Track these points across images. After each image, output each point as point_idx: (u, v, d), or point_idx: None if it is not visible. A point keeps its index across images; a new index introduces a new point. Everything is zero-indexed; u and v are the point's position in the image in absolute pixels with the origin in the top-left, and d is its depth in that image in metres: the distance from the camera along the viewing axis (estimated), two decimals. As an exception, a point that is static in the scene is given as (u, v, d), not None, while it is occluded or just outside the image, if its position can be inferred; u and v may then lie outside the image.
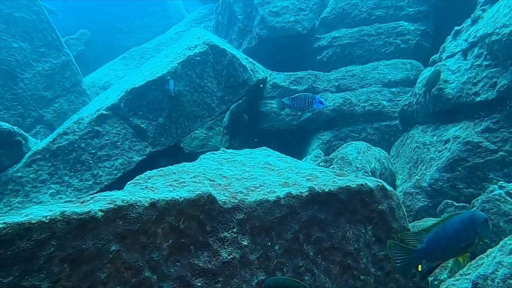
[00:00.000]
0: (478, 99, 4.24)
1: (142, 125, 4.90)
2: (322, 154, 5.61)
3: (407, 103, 5.49)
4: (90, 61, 13.07)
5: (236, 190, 2.55)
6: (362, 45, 6.91)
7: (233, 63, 5.22)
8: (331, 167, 4.42)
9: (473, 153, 4.10)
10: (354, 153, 4.56)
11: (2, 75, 6.68)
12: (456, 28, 4.99)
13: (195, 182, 2.51)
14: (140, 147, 4.84)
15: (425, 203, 4.22)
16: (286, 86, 6.39)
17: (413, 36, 6.78)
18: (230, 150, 3.62)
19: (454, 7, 6.51)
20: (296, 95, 4.63)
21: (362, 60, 6.90)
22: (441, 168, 4.22)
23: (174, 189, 2.28)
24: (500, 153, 3.99)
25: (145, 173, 2.64)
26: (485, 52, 4.28)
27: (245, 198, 2.46)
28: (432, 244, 1.90)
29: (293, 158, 3.49)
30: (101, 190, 4.51)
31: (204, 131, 7.51)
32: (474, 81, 4.35)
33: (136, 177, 2.56)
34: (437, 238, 1.90)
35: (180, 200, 2.17)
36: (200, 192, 2.27)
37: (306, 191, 2.58)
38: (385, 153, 5.07)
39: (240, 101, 6.04)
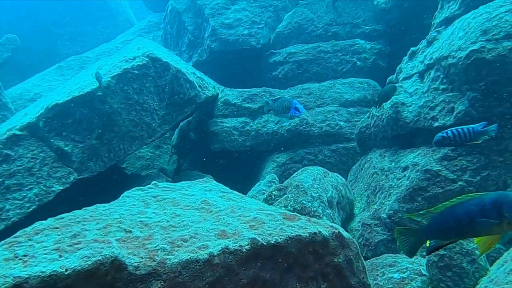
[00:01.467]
0: (436, 124, 4.00)
1: (65, 148, 4.15)
2: (277, 179, 5.16)
3: (364, 125, 5.21)
4: (25, 69, 11.82)
5: (156, 246, 1.97)
6: (319, 62, 6.63)
7: (177, 78, 4.65)
8: (284, 196, 3.94)
9: (432, 182, 3.82)
10: (310, 180, 4.14)
11: None
12: (412, 49, 4.81)
13: (99, 238, 1.89)
14: (63, 173, 4.08)
15: (385, 236, 3.86)
16: (239, 103, 5.91)
17: (370, 55, 6.62)
18: (164, 184, 3.02)
19: (409, 27, 6.44)
20: (277, 96, 4.43)
21: (319, 78, 6.60)
22: (400, 198, 3.90)
23: (61, 255, 1.64)
24: (460, 182, 3.75)
25: (33, 226, 1.97)
26: (441, 75, 4.07)
27: (166, 259, 1.89)
28: (434, 224, 1.84)
29: (238, 194, 2.96)
30: (7, 228, 3.69)
31: (151, 150, 6.80)
32: (431, 105, 4.12)
33: (18, 232, 1.89)
34: (443, 218, 1.80)
35: (66, 273, 1.55)
36: (99, 258, 1.66)
37: (247, 245, 2.05)
38: (343, 179, 4.71)
39: (190, 118, 5.45)
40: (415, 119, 4.25)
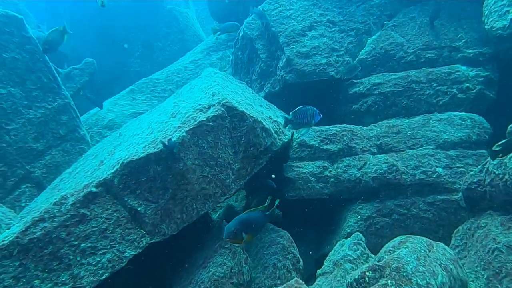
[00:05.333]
0: None
1: (139, 208, 3.89)
2: (363, 240, 4.45)
3: (475, 180, 4.29)
4: (100, 89, 12.35)
5: None
6: (408, 94, 5.76)
7: (254, 128, 4.18)
8: (383, 283, 3.25)
9: None
10: (413, 260, 3.39)
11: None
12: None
13: None
14: (135, 236, 3.82)
15: None
16: (317, 145, 5.30)
17: (474, 84, 5.59)
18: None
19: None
20: (297, 108, 4.42)
21: (408, 112, 5.74)
22: (544, 299, 3.00)
23: None
24: None
25: None
26: None
27: None
28: None
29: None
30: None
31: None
32: None
33: None
34: None
35: None
36: None
37: None
38: (451, 252, 3.86)
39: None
40: (558, 187, 3.30)
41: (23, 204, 5.79)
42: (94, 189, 3.96)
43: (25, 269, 3.51)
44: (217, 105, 4.11)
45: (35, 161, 6.15)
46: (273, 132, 4.47)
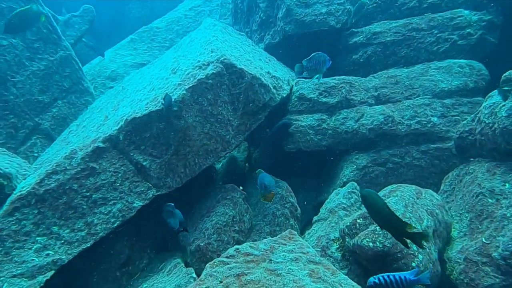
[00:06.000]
0: None
1: (144, 163, 4.13)
2: (357, 188, 4.71)
3: (467, 129, 4.43)
4: (100, 36, 12.17)
5: None
6: (409, 43, 5.69)
7: (252, 85, 4.25)
8: (372, 229, 3.54)
9: None
10: (401, 207, 3.65)
11: (-11, 81, 5.98)
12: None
13: None
14: (142, 189, 4.11)
15: (497, 280, 3.31)
16: (315, 98, 5.38)
17: (475, 30, 5.47)
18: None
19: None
20: (311, 55, 4.52)
21: (408, 61, 5.71)
22: (518, 238, 3.28)
23: None
24: None
25: None
26: None
27: None
28: None
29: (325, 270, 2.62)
30: (95, 243, 3.86)
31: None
32: None
33: None
34: None
35: None
36: None
37: None
38: (438, 197, 4.12)
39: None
40: (543, 136, 3.44)
41: (35, 154, 6.11)
42: (102, 144, 4.17)
43: (43, 217, 3.85)
44: (216, 62, 4.16)
45: (43, 113, 6.37)
46: (271, 87, 4.54)
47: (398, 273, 2.79)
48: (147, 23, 11.35)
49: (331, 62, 4.55)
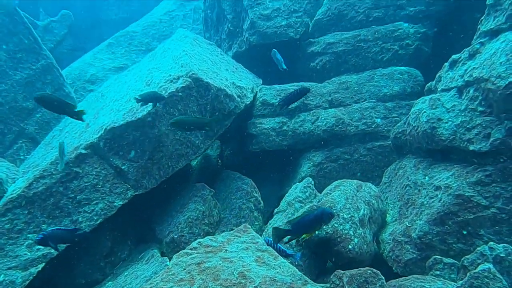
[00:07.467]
0: (472, 147, 3.98)
1: (123, 167, 4.71)
2: (312, 183, 5.44)
3: (400, 130, 5.22)
4: (78, 35, 12.50)
5: None
6: (357, 53, 6.44)
7: (218, 96, 4.88)
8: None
9: (464, 207, 3.93)
10: (343, 200, 4.41)
11: (-25, 92, 6.38)
12: (453, 57, 4.59)
13: None
14: (122, 190, 4.69)
15: (414, 255, 4.12)
16: (277, 103, 6.06)
17: (412, 40, 6.27)
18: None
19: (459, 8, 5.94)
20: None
21: (358, 69, 6.46)
22: (430, 221, 4.08)
23: None
24: (492, 209, 3.82)
25: None
26: (480, 97, 3.96)
27: None
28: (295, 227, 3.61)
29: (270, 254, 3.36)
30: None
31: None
32: (468, 126, 4.06)
33: None
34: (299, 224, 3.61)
35: None
36: None
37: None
38: (375, 189, 4.90)
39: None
40: (451, 137, 4.23)
41: (22, 157, 6.58)
42: (84, 151, 4.72)
43: (33, 216, 4.40)
44: (185, 76, 4.76)
45: (28, 119, 6.83)
46: (236, 96, 5.18)
47: (283, 247, 3.78)
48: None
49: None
